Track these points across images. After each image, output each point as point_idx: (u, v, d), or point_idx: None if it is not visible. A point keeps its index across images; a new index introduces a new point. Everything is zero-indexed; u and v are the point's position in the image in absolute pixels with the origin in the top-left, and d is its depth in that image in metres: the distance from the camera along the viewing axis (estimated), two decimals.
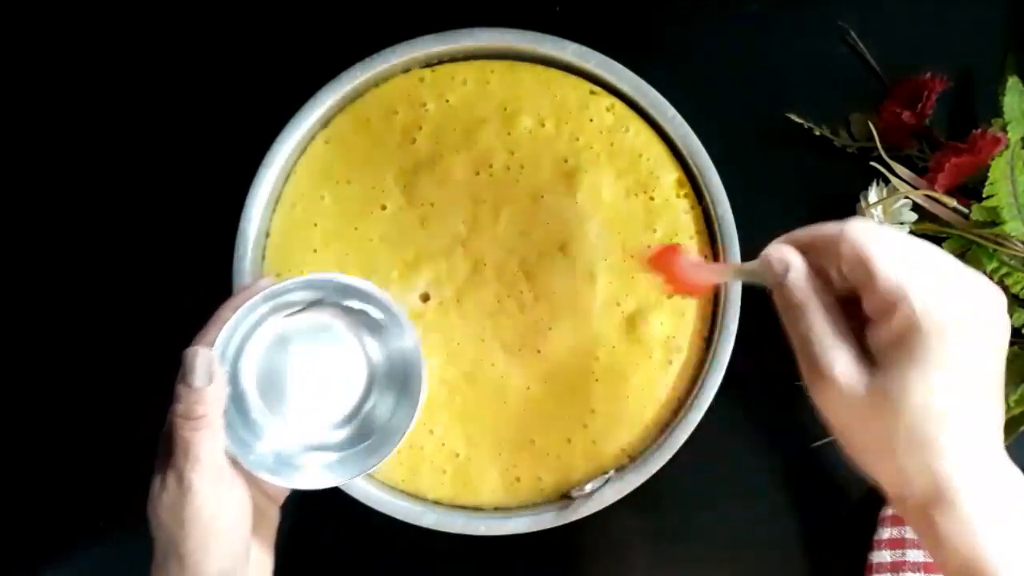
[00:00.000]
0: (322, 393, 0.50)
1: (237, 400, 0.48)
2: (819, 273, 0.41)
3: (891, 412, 0.37)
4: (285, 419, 0.49)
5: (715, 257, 0.56)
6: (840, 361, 0.39)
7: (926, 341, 0.36)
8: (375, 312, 0.49)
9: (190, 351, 0.43)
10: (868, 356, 0.39)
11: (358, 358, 0.50)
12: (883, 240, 0.38)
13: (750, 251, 0.55)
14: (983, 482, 0.37)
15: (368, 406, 0.50)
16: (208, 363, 0.43)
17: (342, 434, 0.50)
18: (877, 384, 0.38)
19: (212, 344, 0.44)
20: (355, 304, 0.49)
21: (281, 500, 0.50)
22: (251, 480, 0.46)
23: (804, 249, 0.41)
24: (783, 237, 0.42)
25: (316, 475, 0.48)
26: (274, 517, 0.50)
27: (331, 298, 0.49)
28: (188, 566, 0.42)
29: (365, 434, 0.50)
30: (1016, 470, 0.38)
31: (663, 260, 0.55)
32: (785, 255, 0.41)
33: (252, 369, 0.48)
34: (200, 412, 0.42)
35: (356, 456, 0.49)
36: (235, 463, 0.45)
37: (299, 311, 0.49)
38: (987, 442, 0.37)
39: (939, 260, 0.38)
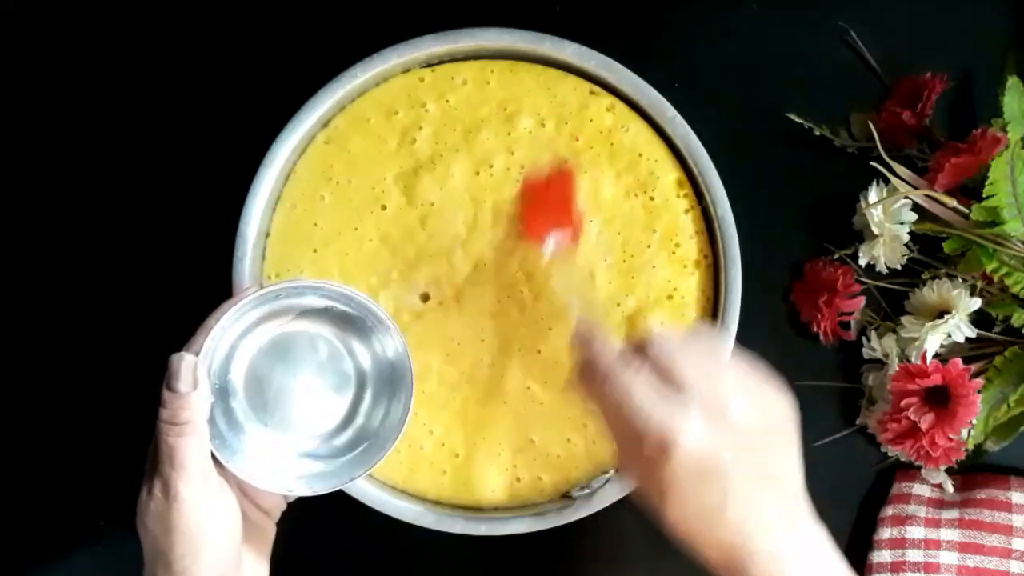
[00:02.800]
0: (312, 401, 0.50)
1: (227, 408, 0.48)
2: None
3: (660, 517, 0.41)
4: (276, 427, 0.49)
5: (715, 257, 0.56)
6: (683, 416, 0.40)
7: (662, 475, 0.40)
8: (363, 317, 0.49)
9: (175, 356, 0.43)
10: None
11: (347, 365, 0.50)
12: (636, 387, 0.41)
13: (750, 251, 0.55)
14: (763, 544, 0.40)
15: (361, 412, 0.50)
16: (192, 368, 0.43)
17: (337, 440, 0.50)
18: (647, 496, 0.41)
19: (197, 351, 0.44)
20: (343, 309, 0.49)
21: (277, 514, 0.50)
22: (244, 492, 0.46)
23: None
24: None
25: (308, 481, 0.48)
26: (269, 530, 0.49)
27: (320, 304, 0.49)
28: (176, 573, 0.42)
29: (360, 440, 0.50)
30: (815, 529, 0.42)
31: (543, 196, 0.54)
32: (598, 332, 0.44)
33: (241, 377, 0.49)
34: (185, 417, 0.42)
35: (350, 462, 0.49)
36: (223, 471, 0.44)
37: (288, 320, 0.49)
38: (759, 518, 0.40)
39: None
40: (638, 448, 0.40)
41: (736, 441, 0.40)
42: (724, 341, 0.46)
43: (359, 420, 0.50)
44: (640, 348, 0.42)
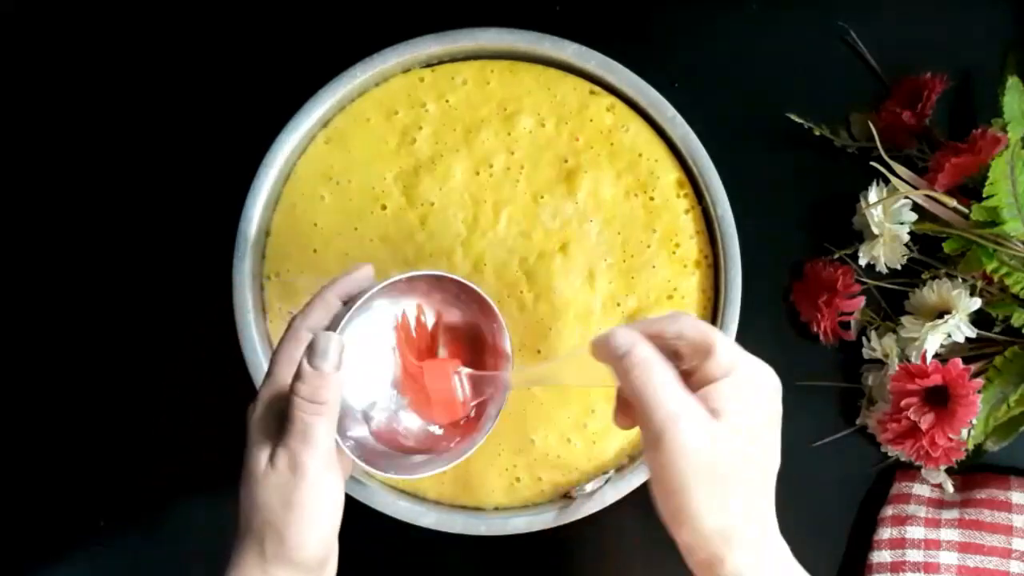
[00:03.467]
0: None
1: None
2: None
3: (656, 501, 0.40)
4: (369, 414, 0.48)
5: (715, 258, 0.56)
6: (688, 419, 0.39)
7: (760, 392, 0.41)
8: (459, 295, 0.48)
9: (323, 335, 0.42)
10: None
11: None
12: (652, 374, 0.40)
13: (750, 251, 0.55)
14: (748, 536, 0.40)
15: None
16: (340, 349, 0.42)
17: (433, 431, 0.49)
18: (723, 430, 0.40)
19: (335, 328, 0.43)
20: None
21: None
22: (348, 471, 0.45)
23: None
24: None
25: (403, 468, 0.47)
26: None
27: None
28: (288, 549, 0.42)
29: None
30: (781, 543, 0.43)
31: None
32: (631, 336, 0.42)
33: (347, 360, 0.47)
34: (324, 397, 0.42)
35: (434, 457, 0.48)
36: (339, 453, 0.44)
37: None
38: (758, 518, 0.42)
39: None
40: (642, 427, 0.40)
41: (741, 439, 0.40)
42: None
43: None
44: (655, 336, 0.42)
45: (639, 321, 0.43)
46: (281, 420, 0.42)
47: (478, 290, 0.47)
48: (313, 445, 0.42)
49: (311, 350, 0.42)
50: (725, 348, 0.41)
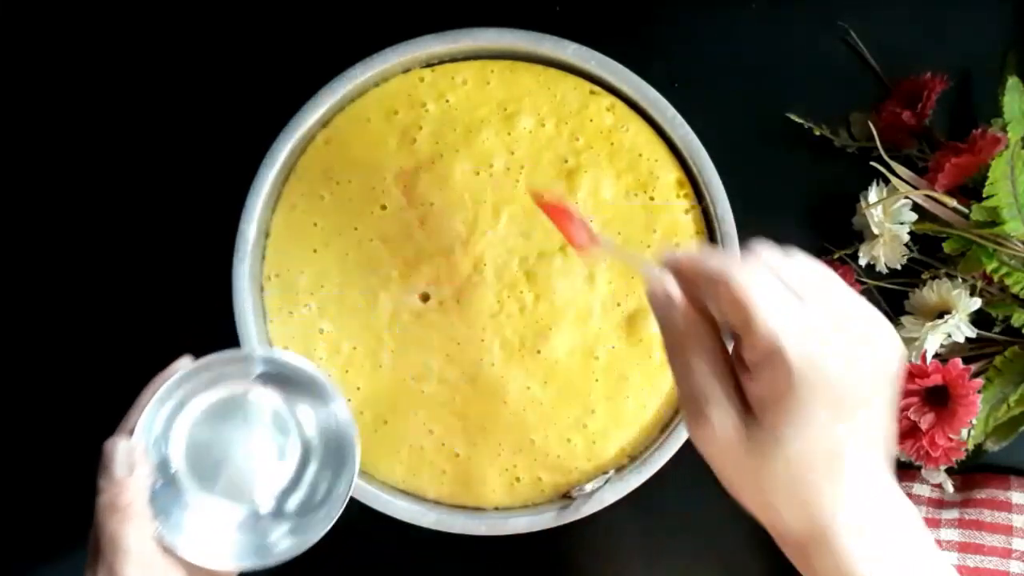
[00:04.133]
0: (257, 467, 0.48)
1: (169, 479, 0.47)
2: (701, 309, 0.38)
3: (767, 465, 0.36)
4: (221, 494, 0.48)
5: None
6: (718, 410, 0.37)
7: (800, 402, 0.34)
8: (305, 381, 0.48)
9: (109, 442, 0.43)
10: (748, 403, 0.37)
11: (292, 431, 0.49)
12: (765, 287, 0.35)
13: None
14: (860, 523, 0.36)
15: (305, 481, 0.49)
16: (128, 452, 0.42)
17: (285, 506, 0.49)
18: (753, 437, 0.36)
19: (131, 432, 0.44)
20: (288, 374, 0.48)
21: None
22: (193, 564, 0.45)
23: (687, 278, 0.38)
24: (667, 259, 0.39)
25: (257, 552, 0.46)
26: None
27: (259, 369, 0.48)
28: None
29: (305, 509, 0.48)
30: (903, 500, 0.37)
31: (555, 212, 0.50)
32: (666, 290, 0.38)
33: (183, 447, 0.47)
34: (124, 502, 0.42)
35: (298, 528, 0.48)
36: (169, 550, 0.44)
37: (231, 385, 0.48)
38: (867, 482, 0.36)
39: (825, 301, 0.36)
40: (764, 370, 0.35)
41: (865, 373, 0.35)
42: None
43: (303, 489, 0.49)
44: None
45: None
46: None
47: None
48: (126, 552, 0.41)
49: (102, 460, 0.42)
50: (762, 330, 0.34)
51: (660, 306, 0.39)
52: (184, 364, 0.46)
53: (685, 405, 0.38)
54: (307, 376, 0.47)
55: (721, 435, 0.37)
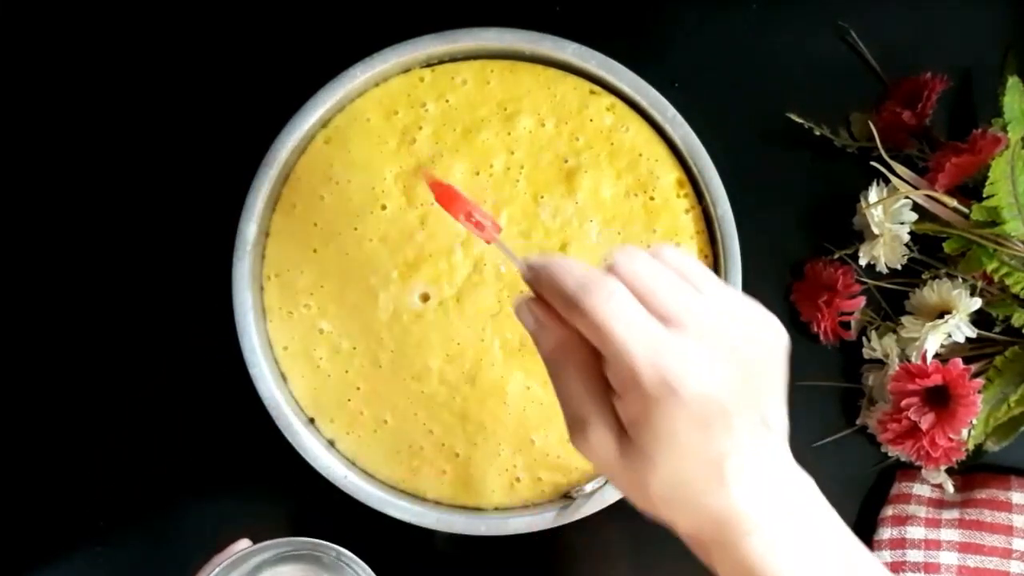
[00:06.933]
0: None
1: None
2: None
3: (648, 481, 0.35)
4: None
5: (715, 258, 0.56)
6: (594, 432, 0.36)
7: (663, 426, 0.34)
8: (354, 567, 0.49)
9: None
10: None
11: None
12: (620, 311, 0.34)
13: (750, 251, 0.55)
14: (755, 521, 0.36)
15: None
16: None
17: None
18: (628, 455, 0.36)
19: None
20: (332, 556, 0.49)
21: None
22: None
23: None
24: (527, 272, 0.38)
25: None
26: None
27: (306, 550, 0.49)
28: None
29: None
30: (801, 486, 0.38)
31: (448, 197, 0.48)
32: (531, 314, 0.38)
33: None
34: None
35: None
36: None
37: (279, 562, 0.49)
38: (756, 480, 0.36)
39: (700, 309, 0.35)
40: (627, 394, 0.35)
41: (735, 380, 0.35)
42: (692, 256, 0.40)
43: None
44: (609, 271, 0.36)
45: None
46: None
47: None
48: None
49: None
50: (617, 347, 0.34)
51: (526, 322, 0.38)
52: (243, 545, 0.48)
53: (566, 421, 0.38)
54: (355, 562, 0.49)
55: (600, 454, 0.36)
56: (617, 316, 0.34)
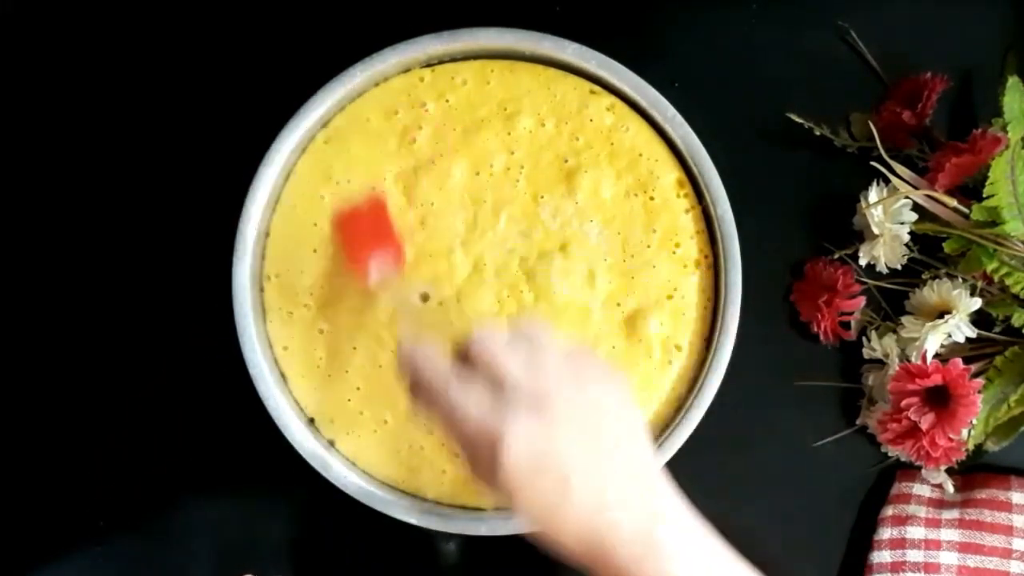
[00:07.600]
0: None
1: None
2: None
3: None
4: None
5: (715, 258, 0.56)
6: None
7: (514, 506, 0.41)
8: None
9: None
10: None
11: None
12: (469, 411, 0.41)
13: (750, 251, 0.55)
14: (627, 540, 0.40)
15: None
16: None
17: None
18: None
19: None
20: None
21: None
22: None
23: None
24: (403, 363, 0.44)
25: None
26: None
27: None
28: None
29: None
30: (662, 500, 0.43)
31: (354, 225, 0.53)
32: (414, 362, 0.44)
33: None
34: None
35: None
36: None
37: None
38: (604, 511, 0.41)
39: (541, 384, 0.41)
40: (478, 456, 0.41)
41: (568, 428, 0.40)
42: (544, 327, 0.45)
43: None
44: (465, 354, 0.43)
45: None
46: None
47: None
48: None
49: None
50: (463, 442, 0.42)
51: (417, 358, 0.44)
52: None
53: (473, 440, 0.41)
54: None
55: (522, 436, 0.40)
56: (469, 417, 0.41)
